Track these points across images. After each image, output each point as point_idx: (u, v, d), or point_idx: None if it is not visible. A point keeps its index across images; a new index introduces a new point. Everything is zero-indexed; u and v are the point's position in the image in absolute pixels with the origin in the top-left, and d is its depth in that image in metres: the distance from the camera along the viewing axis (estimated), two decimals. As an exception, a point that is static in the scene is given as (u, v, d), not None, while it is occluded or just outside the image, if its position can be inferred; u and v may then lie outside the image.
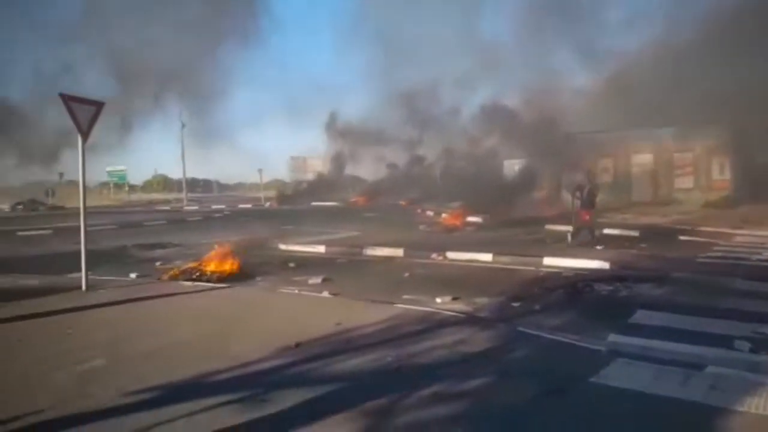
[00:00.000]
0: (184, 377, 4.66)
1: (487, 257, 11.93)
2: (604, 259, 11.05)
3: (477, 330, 6.18)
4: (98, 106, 8.64)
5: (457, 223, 20.36)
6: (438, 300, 8.06)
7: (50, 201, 39.71)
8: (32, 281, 9.65)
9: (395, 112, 42.24)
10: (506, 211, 21.04)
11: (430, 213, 26.94)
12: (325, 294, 8.44)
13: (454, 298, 8.18)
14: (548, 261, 11.27)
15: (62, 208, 35.96)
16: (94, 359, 5.15)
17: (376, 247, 13.51)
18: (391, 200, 38.02)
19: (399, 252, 12.94)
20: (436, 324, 6.42)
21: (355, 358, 5.15)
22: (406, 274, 10.46)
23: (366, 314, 6.89)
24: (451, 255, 12.33)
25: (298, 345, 5.52)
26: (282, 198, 44.57)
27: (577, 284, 9.01)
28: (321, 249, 13.98)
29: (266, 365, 4.99)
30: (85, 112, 8.35)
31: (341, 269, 11.37)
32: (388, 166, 46.10)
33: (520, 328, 6.30)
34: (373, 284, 9.57)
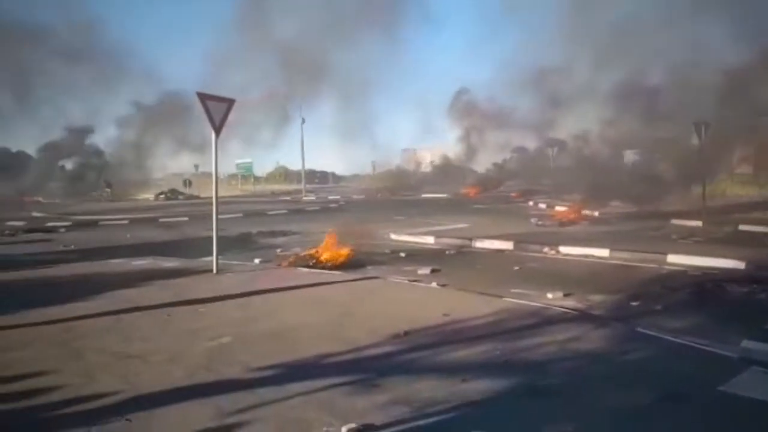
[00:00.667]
0: (303, 357, 5.01)
1: (603, 252, 11.34)
2: (739, 258, 10.02)
3: (591, 328, 5.95)
4: (230, 103, 9.41)
5: (572, 216, 19.48)
6: (549, 295, 7.84)
7: (188, 191, 43.78)
8: (171, 263, 10.80)
9: (524, 96, 40.50)
10: (652, 201, 19.51)
11: (542, 205, 26.04)
12: (434, 285, 8.55)
13: (566, 294, 7.90)
14: (673, 258, 10.46)
15: (197, 197, 39.49)
16: (222, 337, 5.69)
17: (486, 239, 13.38)
18: (502, 192, 37.22)
19: (509, 245, 12.71)
20: (546, 320, 6.27)
21: (463, 349, 5.20)
22: (516, 268, 10.26)
23: (474, 306, 6.90)
24: (565, 249, 11.88)
25: (406, 333, 5.68)
26: (393, 189, 45.34)
27: (705, 284, 8.30)
28: (430, 240, 14.11)
29: (377, 351, 5.21)
30: (218, 109, 9.15)
31: (450, 261, 11.42)
32: (515, 151, 45.14)
33: (639, 329, 5.96)
34: (481, 277, 9.51)
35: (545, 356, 5.02)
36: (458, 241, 13.59)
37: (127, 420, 3.72)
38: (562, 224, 17.79)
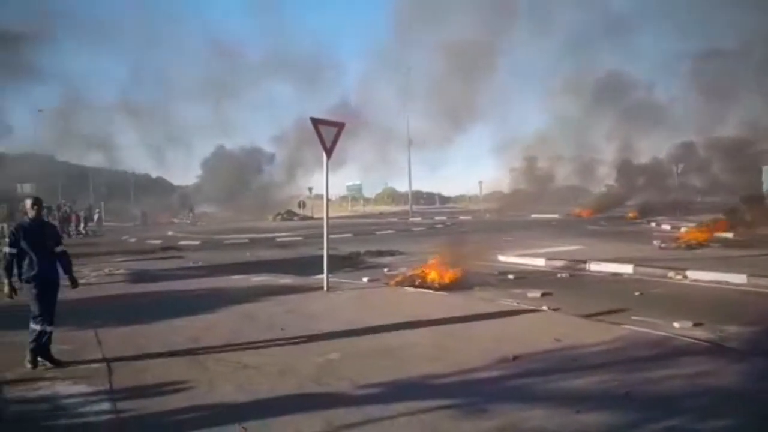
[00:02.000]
0: (408, 377, 5.00)
1: (739, 279, 10.18)
2: None
3: (725, 362, 5.34)
4: (340, 126, 9.81)
5: (702, 237, 17.76)
6: (676, 324, 7.16)
7: (302, 212, 46.06)
8: (286, 280, 11.37)
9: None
10: None
11: (665, 226, 24.06)
12: (545, 308, 8.18)
13: (696, 324, 7.18)
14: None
15: (311, 218, 41.43)
16: (331, 352, 5.84)
17: (602, 262, 12.59)
18: (617, 212, 34.90)
19: (628, 268, 11.85)
20: (672, 351, 5.73)
21: (577, 378, 4.90)
22: (637, 293, 9.52)
23: (589, 333, 6.49)
24: (693, 274, 10.84)
25: (515, 358, 5.47)
26: (501, 210, 44.34)
27: None
28: (541, 262, 13.57)
29: (484, 375, 5.07)
30: (329, 133, 9.57)
31: (562, 284, 10.88)
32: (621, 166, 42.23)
33: (785, 366, 5.26)
34: (597, 302, 8.94)
35: (672, 391, 4.58)
36: (571, 264, 12.93)
37: (243, 428, 3.92)
38: (689, 247, 16.29)
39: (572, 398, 4.41)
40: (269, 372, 5.23)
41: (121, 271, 13.64)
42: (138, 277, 12.52)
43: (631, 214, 32.78)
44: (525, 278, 11.47)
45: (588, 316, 7.45)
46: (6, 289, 5.43)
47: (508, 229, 25.58)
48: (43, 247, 5.51)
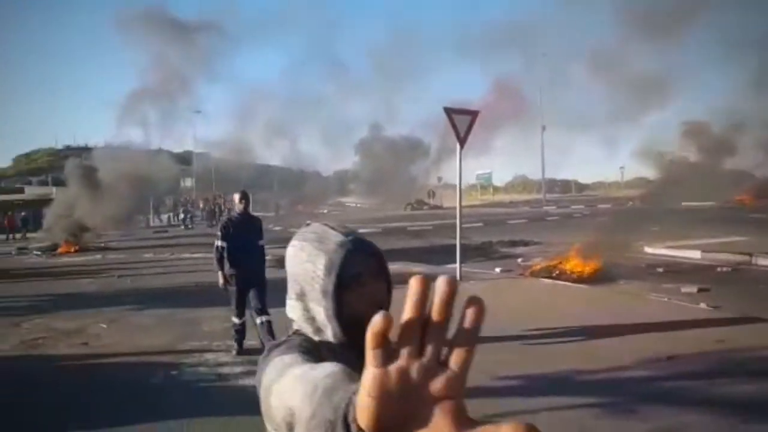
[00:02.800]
0: (552, 371, 4.85)
1: None
2: None
3: None
4: (474, 115, 9.71)
5: None
6: None
7: (432, 201, 46.44)
8: (419, 268, 11.55)
9: None
10: None
11: None
12: (702, 306, 7.43)
13: None
14: None
15: (440, 207, 41.60)
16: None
17: (773, 255, 11.10)
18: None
19: (807, 264, 10.33)
20: None
21: (744, 384, 4.40)
22: (819, 293, 8.27)
23: (756, 335, 5.79)
24: None
25: (670, 358, 5.05)
26: (647, 197, 40.91)
27: None
28: (696, 255, 12.32)
29: (633, 374, 4.76)
30: (462, 122, 9.51)
31: (722, 279, 9.78)
32: None
33: None
34: (765, 300, 7.92)
35: None
36: (733, 257, 11.56)
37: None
38: None
39: (737, 406, 3.98)
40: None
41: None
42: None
43: None
44: (677, 272, 10.50)
45: (755, 317, 6.63)
46: (220, 280, 5.58)
47: (655, 217, 23.56)
48: (248, 240, 5.59)
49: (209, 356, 5.64)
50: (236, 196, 5.85)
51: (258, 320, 5.56)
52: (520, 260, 12.82)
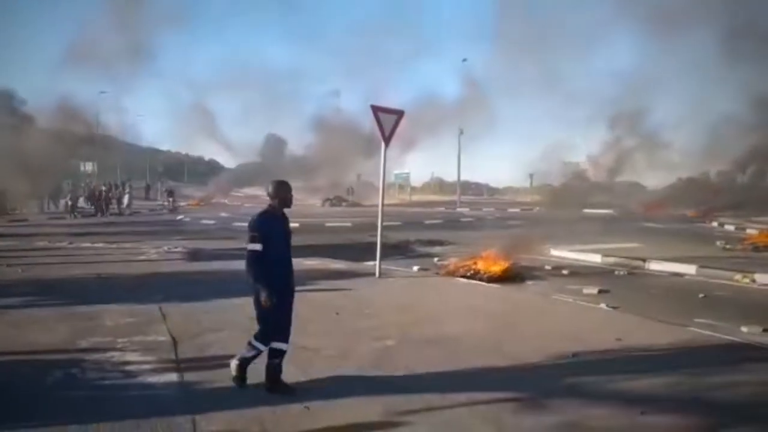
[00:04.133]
0: (466, 368, 4.98)
1: (815, 285, 9.62)
2: None
3: (803, 372, 5.07)
4: (399, 114, 9.80)
5: (771, 240, 16.83)
6: (744, 329, 6.85)
7: (350, 198, 46.41)
8: (338, 265, 11.50)
9: None
10: None
11: (730, 227, 22.95)
12: (603, 306, 7.98)
13: (766, 330, 6.84)
14: None
15: (359, 204, 41.66)
16: (387, 339, 5.88)
17: (662, 261, 12.14)
18: (679, 210, 33.34)
19: (690, 269, 11.38)
20: (741, 357, 5.49)
21: (641, 378, 4.76)
22: (701, 296, 9.14)
23: (651, 334, 6.29)
24: (762, 278, 10.30)
25: (575, 355, 5.36)
26: (551, 203, 43.34)
27: None
28: (596, 258, 13.21)
29: (543, 370, 5.00)
30: (388, 121, 9.58)
31: (620, 282, 10.57)
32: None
33: None
34: (657, 302, 8.65)
35: (743, 398, 4.39)
36: (629, 261, 12.53)
37: (306, 407, 4.01)
38: (756, 249, 15.49)
39: (636, 399, 4.29)
40: (328, 355, 5.32)
41: (179, 249, 14.13)
42: (195, 255, 12.95)
43: (691, 213, 31.35)
44: (580, 274, 11.20)
45: (649, 317, 7.21)
46: (263, 294, 4.27)
47: (560, 223, 25.03)
48: (285, 244, 4.62)
49: (114, 353, 5.26)
50: (274, 187, 4.55)
51: (260, 345, 4.42)
52: (436, 259, 13.12)
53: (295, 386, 4.44)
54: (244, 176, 53.71)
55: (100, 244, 15.18)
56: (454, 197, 50.69)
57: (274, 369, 4.40)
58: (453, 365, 5.04)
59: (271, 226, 4.45)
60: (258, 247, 4.32)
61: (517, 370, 4.99)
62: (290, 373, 4.74)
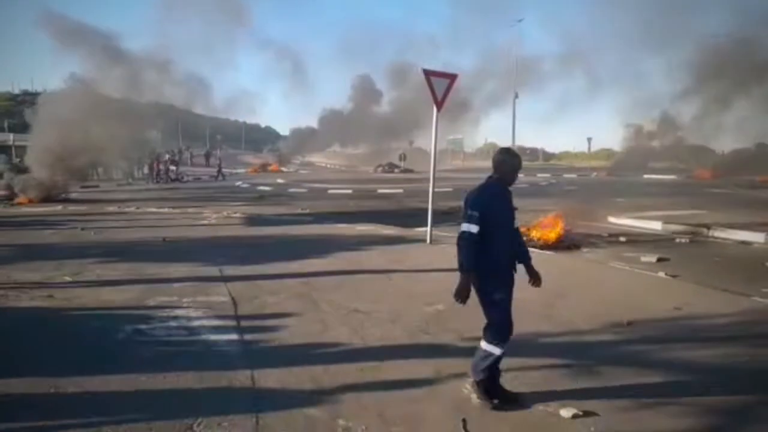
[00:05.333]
0: (516, 333, 4.97)
1: None
2: None
3: None
4: (452, 78, 9.62)
5: None
6: (816, 301, 6.48)
7: (403, 164, 46.35)
8: (390, 231, 11.61)
9: None
10: None
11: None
12: (661, 274, 7.72)
13: (842, 302, 6.45)
14: None
15: (411, 171, 41.56)
16: (438, 303, 5.94)
17: (728, 228, 11.56)
18: (749, 175, 31.37)
19: (758, 237, 10.78)
20: (812, 329, 5.22)
21: (699, 349, 4.63)
22: (770, 264, 8.68)
23: (711, 303, 6.07)
24: (841, 248, 9.65)
25: (630, 323, 5.26)
26: (611, 168, 41.75)
27: None
28: (656, 226, 12.71)
29: (596, 338, 4.94)
30: (441, 85, 9.43)
31: (680, 250, 10.16)
32: None
33: None
34: (721, 270, 8.28)
35: (813, 373, 4.20)
36: (692, 229, 11.99)
37: (360, 369, 4.15)
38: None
39: (694, 370, 4.19)
40: (380, 318, 5.45)
41: (238, 214, 14.62)
42: (253, 221, 13.38)
43: (760, 179, 29.46)
44: (638, 242, 10.84)
45: (711, 286, 6.93)
46: (468, 284, 3.60)
47: (619, 188, 24.17)
48: (510, 223, 3.80)
49: (179, 312, 5.58)
50: (506, 158, 3.79)
51: (495, 349, 3.66)
52: (488, 226, 12.98)
53: (349, 347, 4.59)
54: (301, 142, 54.52)
55: (165, 209, 15.93)
56: (510, 162, 49.55)
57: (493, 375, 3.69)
58: (504, 331, 5.05)
59: (492, 204, 3.64)
60: (473, 228, 3.53)
61: (568, 336, 4.96)
62: (342, 335, 4.92)
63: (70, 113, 18.76)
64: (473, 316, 5.53)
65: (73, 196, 20.07)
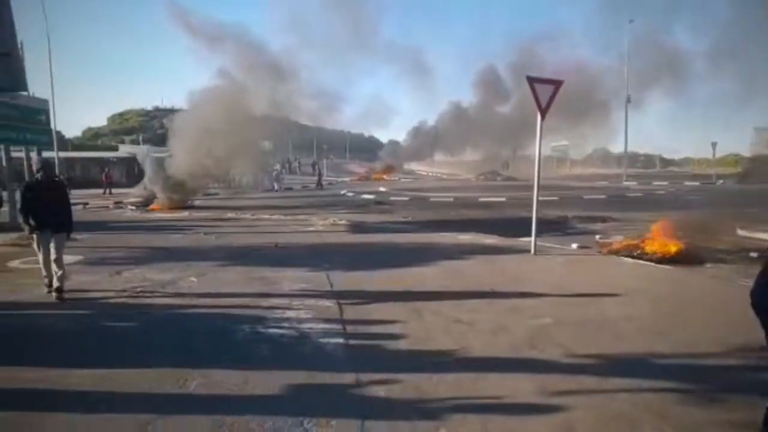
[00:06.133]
0: (627, 353, 4.74)
1: None
2: None
3: None
4: (557, 84, 9.36)
5: None
6: None
7: (506, 172, 45.51)
8: (491, 240, 11.46)
9: None
10: None
11: None
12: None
13: None
14: None
15: (515, 179, 40.69)
16: (543, 317, 5.80)
17: None
18: None
19: None
20: None
21: None
22: None
23: None
24: None
25: (764, 349, 4.78)
26: (742, 176, 37.98)
27: None
28: (797, 240, 11.40)
29: (720, 362, 4.56)
30: (545, 91, 9.20)
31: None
32: None
33: None
34: None
35: None
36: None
37: (463, 380, 4.18)
38: None
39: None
40: (482, 329, 5.42)
41: (343, 222, 15.17)
42: (357, 228, 13.81)
43: None
44: (773, 258, 9.79)
45: None
46: None
47: (751, 198, 21.93)
48: None
49: (290, 314, 5.93)
50: None
51: None
52: (598, 237, 12.40)
53: (451, 357, 4.63)
54: (418, 145, 55.00)
55: (276, 216, 16.92)
56: (620, 170, 46.91)
57: None
58: (613, 349, 4.83)
59: None
60: None
61: (687, 360, 4.62)
62: (446, 344, 4.96)
63: (207, 123, 20.40)
64: (582, 331, 5.37)
65: (197, 203, 21.92)
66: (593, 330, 5.40)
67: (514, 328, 5.47)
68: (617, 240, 11.42)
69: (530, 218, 10.05)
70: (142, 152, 25.12)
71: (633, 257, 9.67)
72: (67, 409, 3.72)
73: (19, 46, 12.38)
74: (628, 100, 45.99)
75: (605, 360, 4.59)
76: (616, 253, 10.15)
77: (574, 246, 10.96)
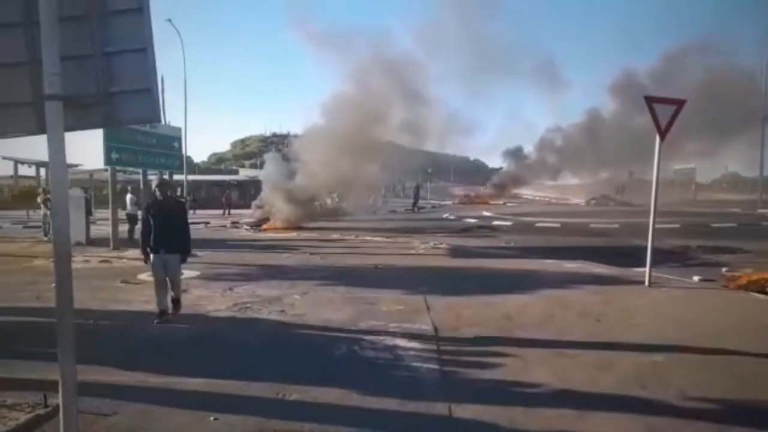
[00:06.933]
0: (753, 398, 4.24)
1: None
2: None
3: None
4: (680, 104, 8.74)
5: None
6: None
7: (619, 197, 42.81)
8: (601, 269, 10.82)
9: None
10: None
11: None
12: None
13: None
14: None
15: (629, 204, 38.16)
16: (656, 354, 5.34)
17: None
18: None
19: None
20: None
21: None
22: None
23: None
24: None
25: None
26: None
27: None
28: None
29: None
30: (665, 112, 8.64)
31: None
32: None
33: None
34: None
35: None
36: None
37: (561, 416, 3.95)
38: None
39: None
40: (586, 363, 5.11)
41: (443, 245, 15.12)
42: (457, 252, 13.70)
43: None
44: None
45: None
46: None
47: None
48: None
49: (386, 337, 5.98)
50: None
51: None
52: (724, 269, 11.24)
53: (551, 390, 4.41)
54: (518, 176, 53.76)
55: (378, 238, 17.26)
56: (754, 196, 42.29)
57: None
58: (736, 393, 4.34)
59: None
60: None
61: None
62: (544, 377, 4.74)
63: (339, 138, 21.20)
64: (700, 372, 4.88)
65: (305, 224, 22.96)
66: (713, 370, 4.90)
67: (621, 364, 5.10)
68: (747, 273, 10.29)
69: (645, 247, 9.36)
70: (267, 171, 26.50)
71: (766, 293, 8.65)
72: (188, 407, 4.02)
73: (160, 80, 13.88)
74: (766, 119, 41.58)
75: (726, 404, 4.14)
76: (746, 288, 9.13)
77: (696, 279, 10.03)
